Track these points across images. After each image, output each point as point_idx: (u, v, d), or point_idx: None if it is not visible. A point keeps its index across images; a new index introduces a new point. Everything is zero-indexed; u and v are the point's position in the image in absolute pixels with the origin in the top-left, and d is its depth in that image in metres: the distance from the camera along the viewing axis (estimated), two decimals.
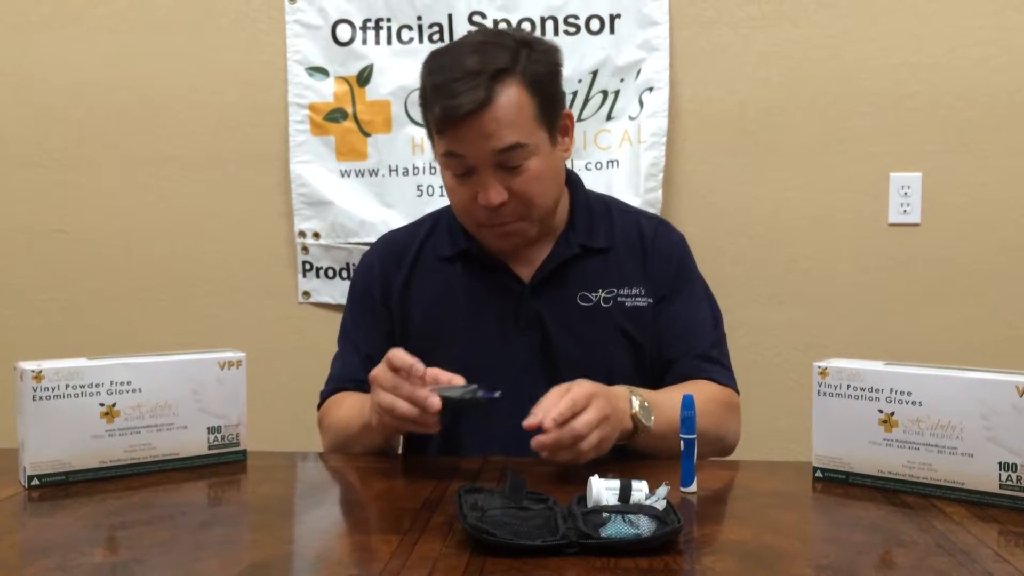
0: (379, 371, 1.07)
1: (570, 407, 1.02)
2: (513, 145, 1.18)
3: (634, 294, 1.30)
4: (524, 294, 1.29)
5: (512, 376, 1.26)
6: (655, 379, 1.30)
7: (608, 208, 1.37)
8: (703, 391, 1.25)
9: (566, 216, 1.33)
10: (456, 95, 1.15)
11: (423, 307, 1.32)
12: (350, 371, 1.34)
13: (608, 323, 1.29)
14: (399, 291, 1.33)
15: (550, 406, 1.03)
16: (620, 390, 1.12)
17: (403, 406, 1.04)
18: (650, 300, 1.31)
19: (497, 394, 1.06)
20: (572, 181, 1.35)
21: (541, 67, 1.22)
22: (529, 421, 1.02)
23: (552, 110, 1.24)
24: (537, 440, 1.01)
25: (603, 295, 1.30)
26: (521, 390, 1.25)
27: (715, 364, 1.32)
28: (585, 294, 1.30)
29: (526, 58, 1.20)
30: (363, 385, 1.30)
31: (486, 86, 1.15)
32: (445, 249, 1.33)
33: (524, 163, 1.20)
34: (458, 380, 1.07)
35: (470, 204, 1.23)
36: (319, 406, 1.35)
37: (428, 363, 1.21)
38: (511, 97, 1.18)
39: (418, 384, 1.04)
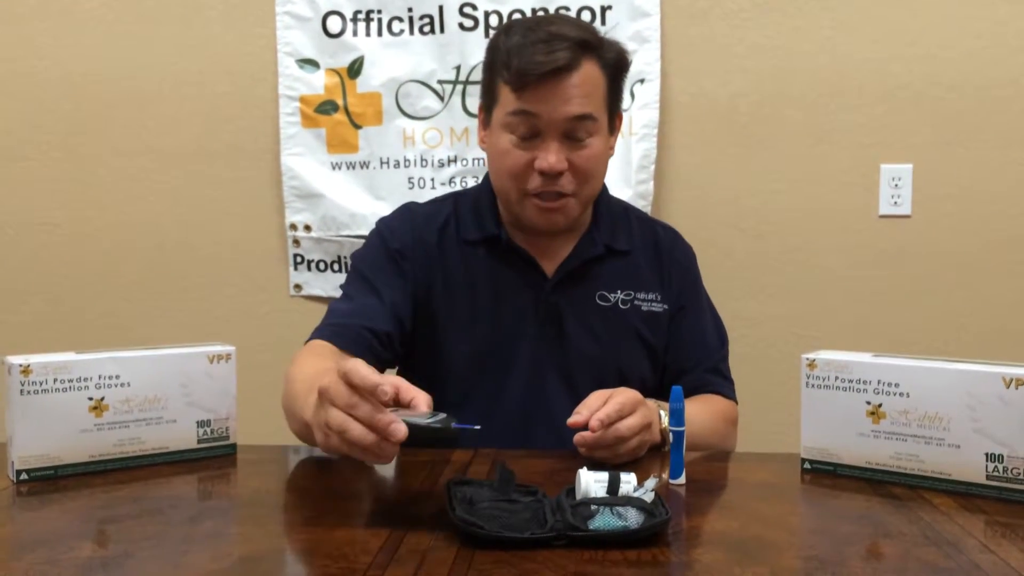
0: (331, 383, 0.86)
1: (617, 410, 1.05)
2: (586, 115, 1.20)
3: (650, 299, 1.33)
4: (545, 287, 1.29)
5: (523, 368, 1.28)
6: (664, 387, 1.32)
7: (627, 213, 1.39)
8: (712, 405, 1.31)
9: (591, 215, 1.34)
10: (543, 53, 1.17)
11: (442, 287, 1.31)
12: (363, 310, 1.23)
13: (624, 324, 1.31)
14: (420, 263, 1.30)
15: (595, 406, 1.05)
16: (651, 403, 1.14)
17: (357, 430, 0.84)
18: (665, 307, 1.33)
19: (477, 427, 0.89)
20: None
21: (614, 57, 1.25)
22: (574, 419, 1.04)
23: (615, 101, 1.27)
24: (580, 436, 1.04)
25: (621, 296, 1.31)
26: (530, 382, 1.27)
27: (722, 378, 1.37)
28: (604, 294, 1.31)
29: (601, 45, 1.23)
30: (372, 332, 1.22)
31: (572, 51, 1.18)
32: (471, 233, 1.32)
33: (589, 138, 1.22)
34: (422, 402, 0.87)
35: (524, 169, 1.22)
36: (307, 340, 1.24)
37: (437, 347, 1.20)
38: (591, 70, 1.21)
39: (379, 407, 0.84)
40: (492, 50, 1.25)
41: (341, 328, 1.24)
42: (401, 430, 0.83)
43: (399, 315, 1.27)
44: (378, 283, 1.28)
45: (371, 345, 1.23)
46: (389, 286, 1.28)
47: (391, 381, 0.85)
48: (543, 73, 1.17)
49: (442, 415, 0.86)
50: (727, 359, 1.40)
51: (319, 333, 1.25)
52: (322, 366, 1.16)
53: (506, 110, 1.22)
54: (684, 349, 1.35)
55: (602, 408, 1.05)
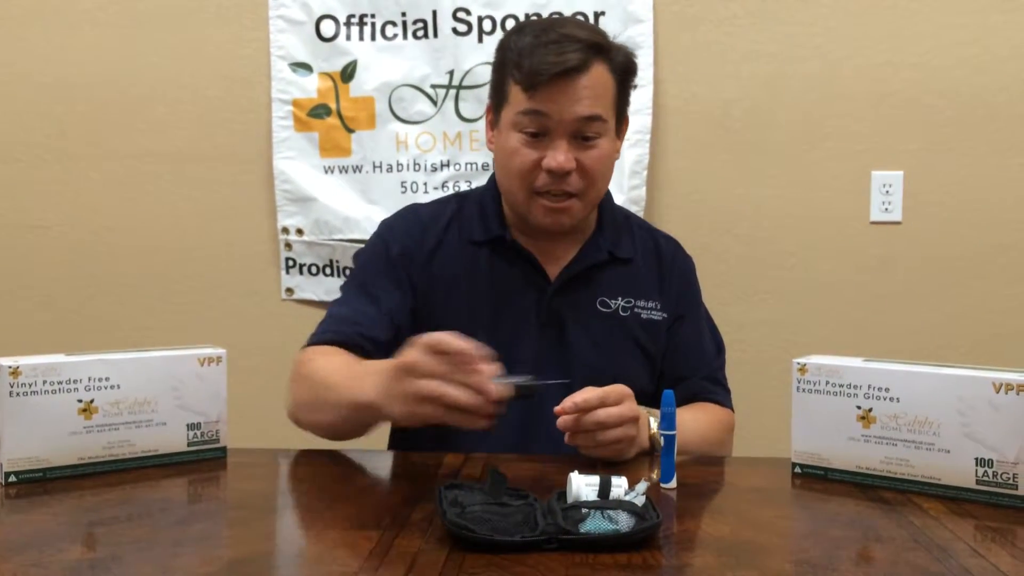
0: (417, 357, 0.94)
1: (599, 397, 1.06)
2: (596, 116, 1.21)
3: (650, 307, 1.33)
4: (548, 291, 1.29)
5: (524, 370, 1.27)
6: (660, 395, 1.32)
7: (628, 221, 1.40)
8: (708, 412, 1.32)
9: (595, 221, 1.35)
10: (554, 54, 1.18)
11: (443, 288, 1.30)
12: (360, 318, 1.25)
13: (624, 332, 1.31)
14: (422, 265, 1.31)
15: (580, 395, 1.07)
16: (642, 410, 1.15)
17: (457, 393, 0.91)
18: (664, 315, 1.34)
19: (566, 380, 1.06)
20: None
21: (624, 61, 1.26)
22: (559, 407, 1.07)
23: (623, 105, 1.28)
24: (562, 420, 1.06)
25: (622, 304, 1.31)
26: None
27: (720, 387, 1.38)
28: (605, 300, 1.31)
29: (611, 48, 1.24)
30: (369, 340, 1.23)
31: (583, 52, 1.19)
32: (476, 233, 1.32)
33: (597, 140, 1.23)
34: (497, 368, 0.95)
35: (532, 167, 1.23)
36: (306, 346, 1.26)
37: None
38: (601, 72, 1.22)
39: (474, 371, 0.93)
40: (503, 50, 1.26)
41: (339, 335, 1.24)
42: (502, 389, 0.92)
43: (396, 322, 1.27)
44: (376, 289, 1.29)
45: (368, 353, 1.23)
46: (387, 293, 1.29)
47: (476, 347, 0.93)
48: (554, 74, 1.18)
49: (529, 375, 0.98)
50: (724, 368, 1.41)
51: (319, 337, 1.25)
52: (346, 358, 1.19)
53: (516, 110, 1.22)
54: (682, 357, 1.35)
55: (582, 395, 1.07)
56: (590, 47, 1.20)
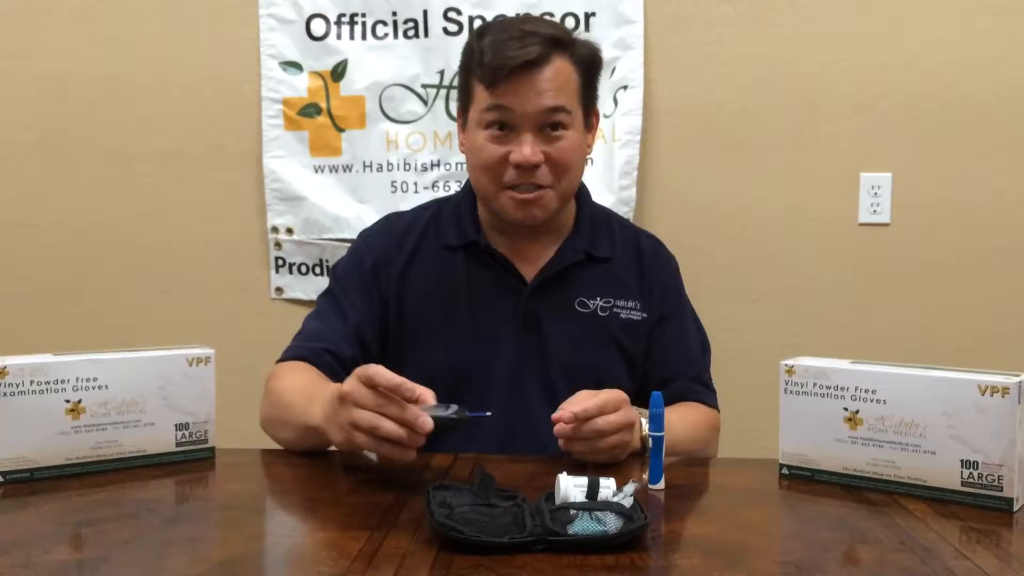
0: (353, 387, 0.97)
1: (598, 406, 1.07)
2: (559, 107, 1.22)
3: (629, 307, 1.33)
4: (524, 293, 1.29)
5: (502, 373, 1.28)
6: (643, 395, 1.32)
7: (609, 220, 1.40)
8: (694, 413, 1.32)
9: (572, 221, 1.35)
10: (514, 49, 1.19)
11: (420, 294, 1.31)
12: (329, 334, 1.29)
13: (603, 332, 1.31)
14: (398, 274, 1.32)
15: (578, 402, 1.08)
16: (633, 409, 1.15)
17: (389, 426, 0.95)
18: (644, 315, 1.34)
19: (488, 414, 1.06)
20: (580, 189, 1.37)
21: (587, 54, 1.27)
22: (557, 415, 1.07)
23: (590, 98, 1.29)
24: (559, 428, 1.07)
25: (600, 303, 1.31)
26: (510, 388, 1.27)
27: (704, 387, 1.38)
28: (583, 300, 1.31)
29: (574, 43, 1.25)
30: (334, 356, 1.27)
31: (543, 45, 1.20)
32: (451, 238, 1.33)
33: (563, 131, 1.23)
34: (429, 396, 0.99)
35: (499, 162, 1.23)
36: (279, 361, 1.30)
37: (419, 351, 1.19)
38: (563, 65, 1.23)
39: (404, 404, 0.96)
40: (467, 52, 1.27)
41: (307, 351, 1.28)
42: (428, 422, 0.94)
43: (363, 337, 1.30)
44: (347, 304, 1.32)
45: (334, 368, 1.26)
46: (356, 307, 1.31)
47: (409, 387, 0.96)
48: (515, 67, 1.18)
49: (453, 406, 0.99)
50: (709, 368, 1.41)
51: (290, 353, 1.30)
52: (307, 378, 1.22)
53: (481, 107, 1.23)
54: (666, 358, 1.35)
55: (581, 404, 1.07)
56: (550, 41, 1.20)
